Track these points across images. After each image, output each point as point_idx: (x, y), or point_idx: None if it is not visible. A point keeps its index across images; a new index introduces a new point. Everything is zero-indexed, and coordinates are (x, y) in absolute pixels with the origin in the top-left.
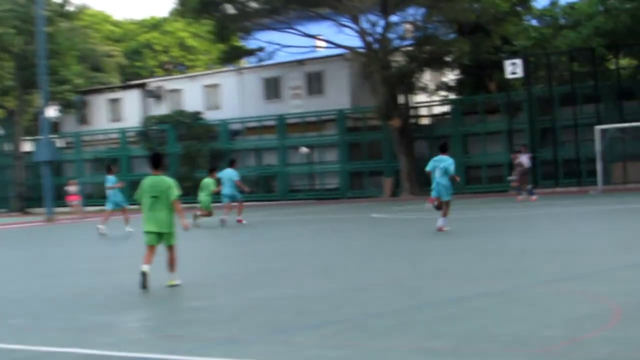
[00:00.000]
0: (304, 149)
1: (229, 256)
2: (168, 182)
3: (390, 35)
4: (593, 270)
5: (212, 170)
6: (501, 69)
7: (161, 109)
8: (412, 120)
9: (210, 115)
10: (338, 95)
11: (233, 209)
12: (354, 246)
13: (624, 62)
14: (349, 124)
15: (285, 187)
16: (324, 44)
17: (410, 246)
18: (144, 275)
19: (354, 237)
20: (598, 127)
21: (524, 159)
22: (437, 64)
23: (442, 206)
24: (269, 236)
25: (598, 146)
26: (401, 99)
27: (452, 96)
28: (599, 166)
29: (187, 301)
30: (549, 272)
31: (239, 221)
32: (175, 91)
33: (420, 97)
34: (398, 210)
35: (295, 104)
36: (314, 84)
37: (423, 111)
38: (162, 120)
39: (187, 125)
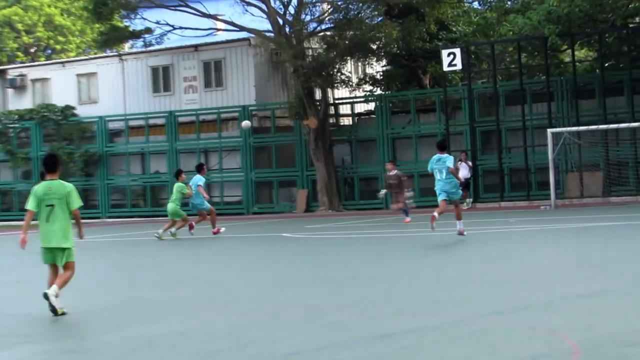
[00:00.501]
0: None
1: (114, 282)
2: (67, 188)
3: (305, 18)
4: (546, 300)
5: (179, 173)
6: (437, 60)
7: (23, 103)
8: (331, 120)
9: (85, 111)
10: (241, 89)
11: (187, 222)
12: (262, 271)
13: (581, 53)
14: (255, 124)
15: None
16: (225, 26)
17: (329, 272)
18: (47, 297)
19: (263, 260)
20: (550, 131)
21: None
22: (361, 52)
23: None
24: (160, 259)
25: (550, 153)
26: (318, 94)
27: (379, 91)
28: (551, 177)
29: (60, 340)
30: (494, 303)
31: (216, 232)
32: (41, 80)
33: (341, 92)
34: (314, 229)
35: (189, 98)
36: (213, 74)
37: (344, 109)
38: (24, 116)
39: (56, 123)
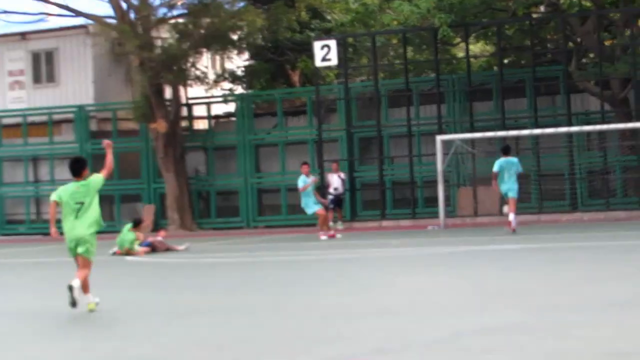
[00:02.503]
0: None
1: None
2: (91, 182)
3: (154, 2)
4: (435, 336)
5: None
6: (309, 54)
7: None
8: (184, 123)
9: None
10: (78, 85)
11: None
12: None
13: (476, 47)
14: (93, 127)
15: (0, 216)
16: (58, 10)
17: (176, 304)
18: (71, 289)
19: (102, 287)
20: (440, 138)
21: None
22: (219, 43)
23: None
24: None
25: (440, 164)
26: (168, 93)
27: (240, 90)
28: (440, 192)
29: None
30: (374, 339)
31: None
32: None
33: (196, 91)
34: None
35: (15, 96)
36: (44, 68)
37: (199, 110)
38: None
39: None
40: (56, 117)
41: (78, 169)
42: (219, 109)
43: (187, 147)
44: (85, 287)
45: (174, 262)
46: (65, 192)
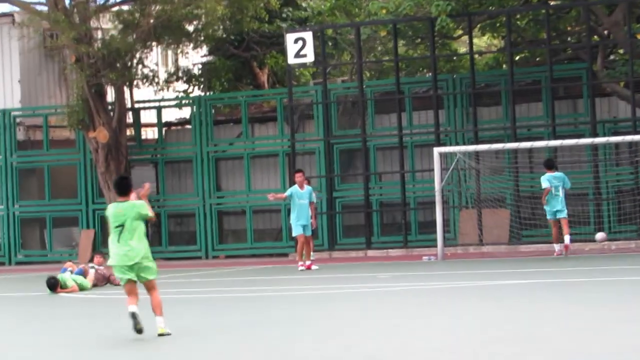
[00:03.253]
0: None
1: None
2: (137, 207)
3: None
4: None
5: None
6: (280, 49)
7: None
8: (129, 132)
9: None
10: (1, 85)
11: None
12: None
13: (482, 42)
14: (20, 136)
15: None
16: None
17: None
18: (135, 316)
19: (22, 326)
20: (438, 150)
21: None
22: (172, 36)
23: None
24: None
25: (437, 182)
26: (111, 95)
27: (197, 92)
28: (438, 216)
29: None
30: None
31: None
32: None
33: (144, 93)
34: (100, 288)
35: None
36: None
37: (148, 116)
38: None
39: None
40: None
41: (126, 186)
42: (171, 115)
43: (134, 161)
44: (158, 308)
45: (113, 299)
46: (109, 214)
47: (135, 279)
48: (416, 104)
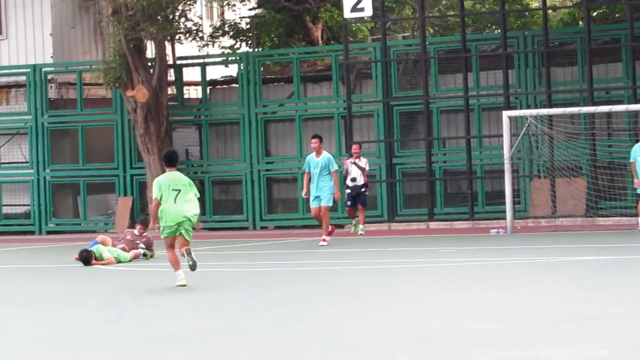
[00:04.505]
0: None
1: None
2: (187, 180)
3: None
4: None
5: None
6: (335, 2)
7: None
8: (171, 91)
9: None
10: (31, 39)
11: None
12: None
13: None
14: (52, 94)
15: None
16: None
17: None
18: (190, 252)
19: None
20: (507, 114)
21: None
22: None
23: None
24: None
25: (507, 149)
26: (151, 51)
27: (245, 48)
28: (507, 186)
29: None
30: None
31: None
32: None
33: (187, 48)
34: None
35: None
36: None
37: (191, 74)
38: None
39: None
40: (2, 80)
41: (175, 159)
42: (216, 73)
43: (175, 122)
44: (176, 264)
45: (158, 272)
46: (162, 182)
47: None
48: (484, 63)
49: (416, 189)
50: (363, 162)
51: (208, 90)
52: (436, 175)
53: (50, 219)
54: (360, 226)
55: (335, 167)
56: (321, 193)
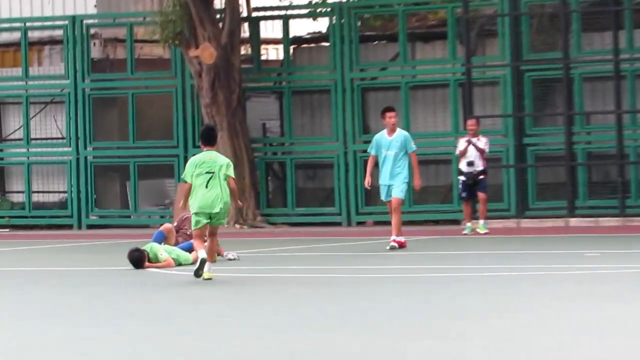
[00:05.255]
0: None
1: None
2: (224, 159)
3: None
4: None
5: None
6: None
7: None
8: (244, 51)
9: None
10: None
11: None
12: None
13: None
14: (95, 53)
15: None
16: None
17: None
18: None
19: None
20: None
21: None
22: None
23: None
24: None
25: None
26: (220, 1)
27: None
28: None
29: None
30: None
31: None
32: None
33: None
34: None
35: None
36: None
37: (270, 29)
38: None
39: None
40: (34, 35)
41: (213, 137)
42: (301, 29)
43: (250, 89)
44: (211, 255)
45: (222, 278)
46: (196, 162)
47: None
48: (639, 19)
49: (552, 176)
50: (482, 141)
51: (291, 50)
52: (578, 159)
53: (92, 210)
54: (481, 222)
55: (414, 146)
56: (395, 182)
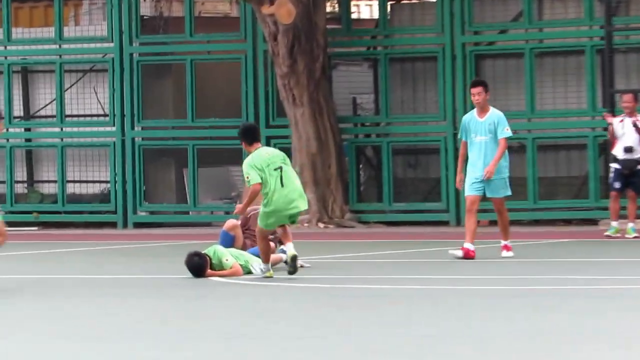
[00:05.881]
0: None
1: None
2: (279, 151)
3: None
4: None
5: None
6: None
7: None
8: (330, 8)
9: None
10: None
11: None
12: None
13: None
14: (144, 9)
15: None
16: None
17: None
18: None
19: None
20: None
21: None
22: None
23: None
24: None
25: None
26: None
27: None
28: None
29: None
30: None
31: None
32: None
33: None
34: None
35: None
36: None
37: None
38: None
39: None
40: None
41: (258, 132)
42: None
43: (337, 55)
44: (287, 237)
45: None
46: (257, 161)
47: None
48: None
49: None
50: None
51: (388, 8)
52: None
53: (140, 204)
54: (630, 224)
55: (507, 132)
56: (491, 175)
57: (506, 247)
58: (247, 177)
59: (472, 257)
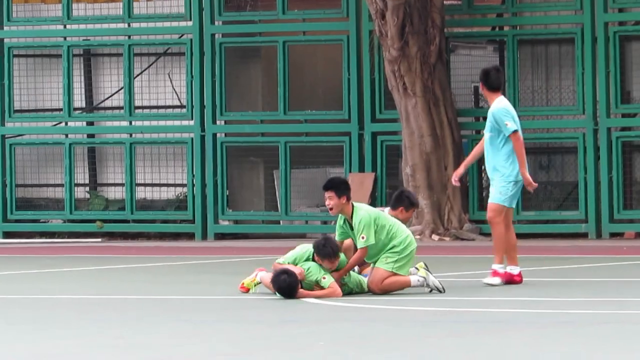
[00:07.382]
0: None
1: None
2: None
3: None
4: None
5: None
6: None
7: None
8: None
9: None
10: None
11: None
12: None
13: None
14: None
15: None
16: None
17: None
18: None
19: None
20: None
21: None
22: None
23: None
24: None
25: None
26: None
27: None
28: None
29: None
30: None
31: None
32: None
33: None
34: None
35: None
36: None
37: None
38: None
39: None
40: None
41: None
42: None
43: (457, 36)
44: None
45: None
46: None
47: None
48: None
49: None
50: None
51: None
52: None
53: (223, 212)
54: None
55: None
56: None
57: (494, 273)
58: (363, 237)
59: (514, 281)
